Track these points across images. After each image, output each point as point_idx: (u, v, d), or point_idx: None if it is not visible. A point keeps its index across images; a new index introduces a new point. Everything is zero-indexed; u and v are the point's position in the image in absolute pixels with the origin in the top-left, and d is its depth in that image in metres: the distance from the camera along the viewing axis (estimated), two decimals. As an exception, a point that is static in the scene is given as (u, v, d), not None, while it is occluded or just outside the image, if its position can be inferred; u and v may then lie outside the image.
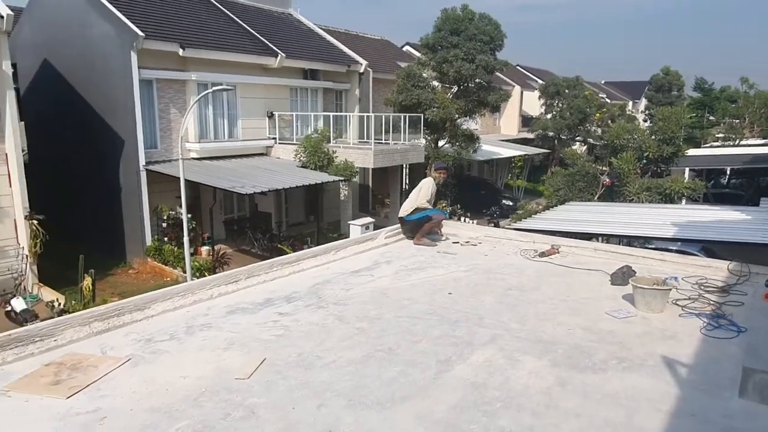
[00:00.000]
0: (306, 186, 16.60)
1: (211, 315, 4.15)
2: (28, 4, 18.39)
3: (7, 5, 12.02)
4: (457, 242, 6.73)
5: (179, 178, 12.90)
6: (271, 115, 19.12)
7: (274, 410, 2.78)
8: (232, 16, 19.74)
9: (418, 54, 27.03)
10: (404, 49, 32.98)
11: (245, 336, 3.76)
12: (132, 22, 14.86)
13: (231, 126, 18.23)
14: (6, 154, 12.60)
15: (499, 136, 35.48)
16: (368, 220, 16.72)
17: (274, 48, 18.75)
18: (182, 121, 14.64)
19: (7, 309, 11.39)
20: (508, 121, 38.57)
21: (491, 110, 24.45)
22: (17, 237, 12.95)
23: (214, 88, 13.62)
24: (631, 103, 51.61)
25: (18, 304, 11.18)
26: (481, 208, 24.93)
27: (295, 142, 18.85)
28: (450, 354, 3.45)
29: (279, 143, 19.20)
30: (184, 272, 13.77)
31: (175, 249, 15.34)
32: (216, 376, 3.16)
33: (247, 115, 18.44)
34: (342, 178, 17.43)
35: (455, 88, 22.66)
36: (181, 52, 15.73)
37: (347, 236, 17.11)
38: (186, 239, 13.00)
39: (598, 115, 33.63)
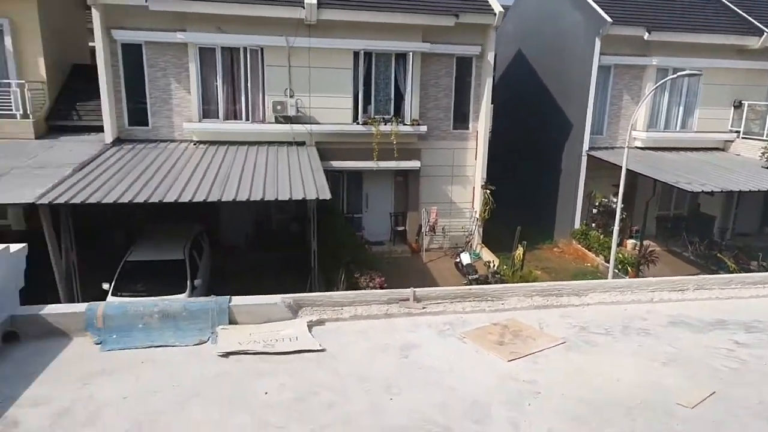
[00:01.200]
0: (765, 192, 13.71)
1: (650, 321, 3.86)
2: (514, 2, 20.71)
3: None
4: None
5: (620, 166, 12.55)
6: (738, 105, 16.43)
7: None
8: (709, -10, 17.58)
9: None
10: None
11: (688, 356, 3.34)
12: (601, 9, 15.00)
13: (686, 115, 16.56)
14: (477, 132, 14.92)
15: None
16: None
17: (759, 25, 15.82)
18: (635, 108, 14.15)
19: (456, 260, 13.71)
20: None
21: None
22: (473, 202, 15.32)
23: (679, 73, 12.44)
24: None
25: (465, 258, 13.30)
26: None
27: (764, 138, 15.72)
28: None
29: (742, 138, 16.43)
30: (606, 261, 13.54)
31: (601, 237, 15.25)
32: (653, 391, 2.92)
33: (707, 104, 16.36)
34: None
35: None
36: (646, 36, 15.03)
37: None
38: (616, 229, 12.66)
39: None
